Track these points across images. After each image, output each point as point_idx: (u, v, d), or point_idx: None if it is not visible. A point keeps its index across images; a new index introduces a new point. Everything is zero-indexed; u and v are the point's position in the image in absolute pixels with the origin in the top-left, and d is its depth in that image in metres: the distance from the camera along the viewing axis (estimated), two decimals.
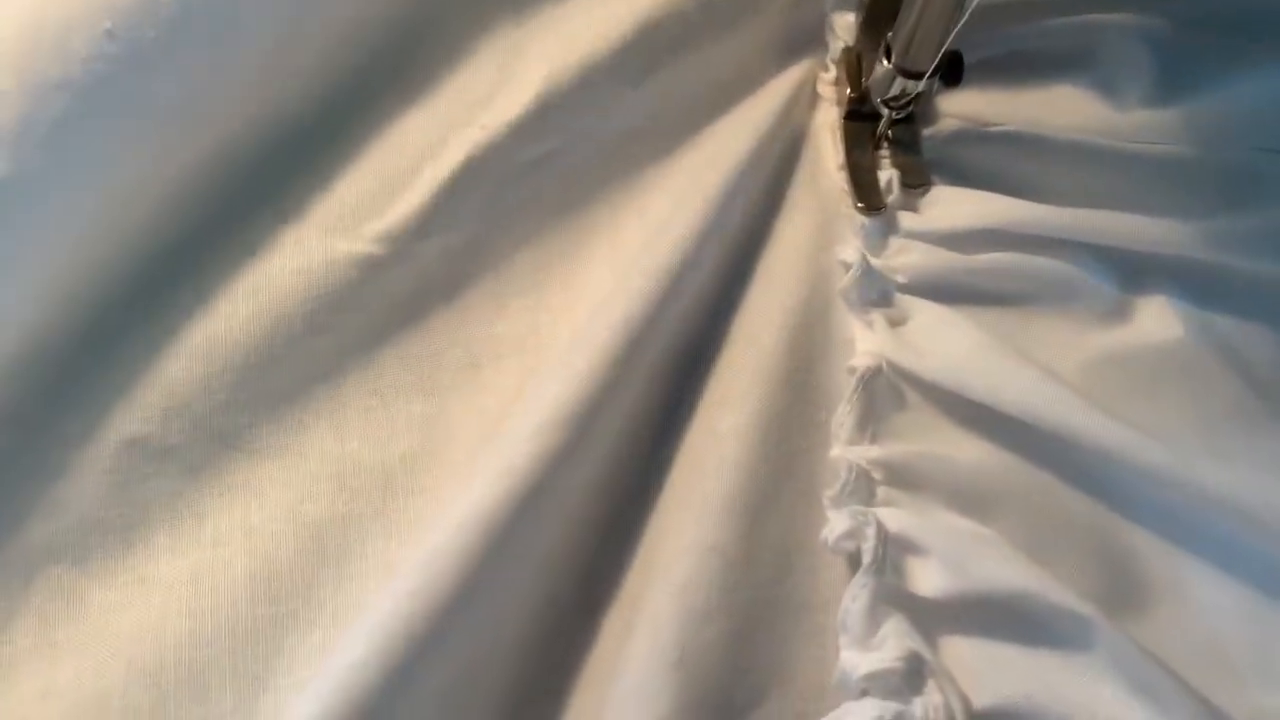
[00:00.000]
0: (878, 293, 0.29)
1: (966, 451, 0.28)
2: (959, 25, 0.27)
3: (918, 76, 0.29)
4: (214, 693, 0.25)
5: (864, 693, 0.24)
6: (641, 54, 0.31)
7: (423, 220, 0.29)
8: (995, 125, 0.32)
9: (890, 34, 0.29)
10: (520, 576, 0.26)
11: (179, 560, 0.26)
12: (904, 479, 0.27)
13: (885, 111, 0.31)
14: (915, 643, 0.24)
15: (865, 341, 0.29)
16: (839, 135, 0.32)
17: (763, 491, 0.27)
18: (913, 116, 0.32)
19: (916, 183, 0.31)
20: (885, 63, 0.30)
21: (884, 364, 0.28)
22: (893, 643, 0.24)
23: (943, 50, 0.28)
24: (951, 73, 0.29)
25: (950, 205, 0.30)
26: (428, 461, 0.28)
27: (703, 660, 0.25)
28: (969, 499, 0.27)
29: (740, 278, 0.31)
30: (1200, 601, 0.26)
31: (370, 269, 0.29)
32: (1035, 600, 0.25)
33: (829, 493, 0.27)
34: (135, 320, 0.27)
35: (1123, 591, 0.26)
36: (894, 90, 0.30)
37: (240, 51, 0.28)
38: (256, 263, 0.28)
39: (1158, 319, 0.30)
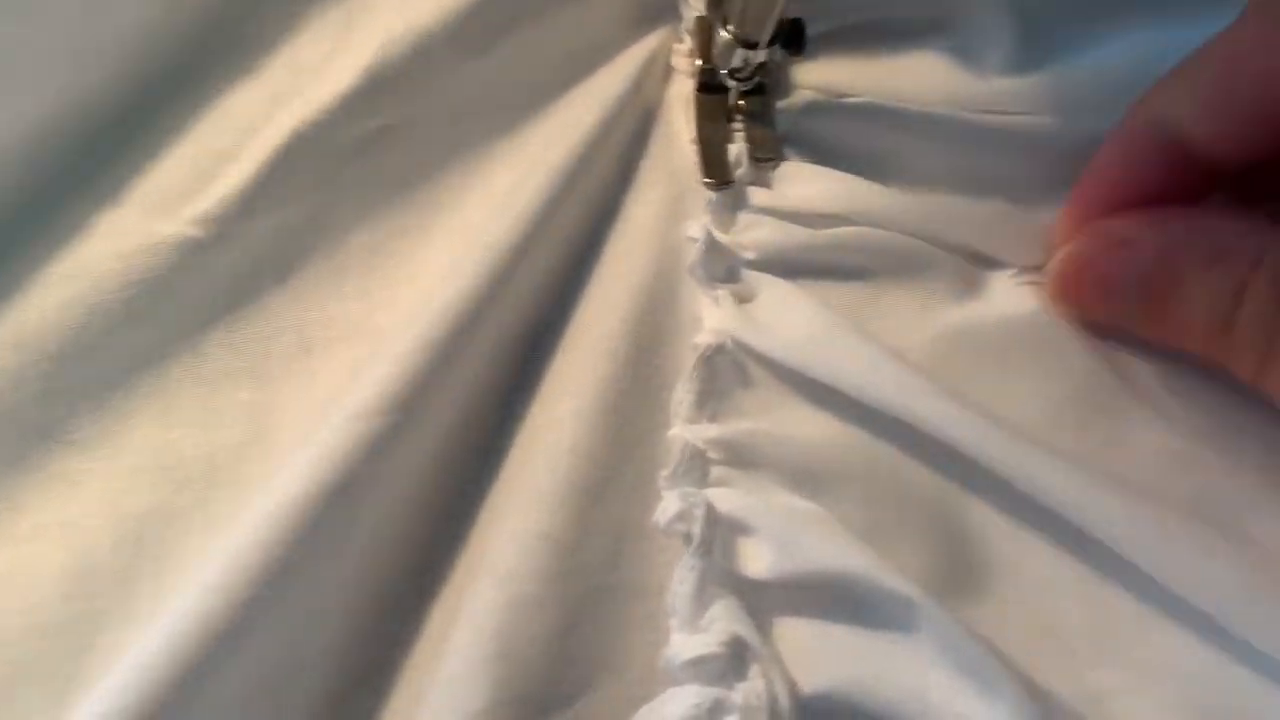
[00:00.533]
0: (725, 269, 0.29)
1: (807, 430, 0.27)
2: None
3: (754, 46, 0.28)
4: (20, 692, 0.24)
5: (688, 679, 0.24)
6: (483, 23, 0.30)
7: (247, 199, 0.28)
8: (850, 96, 0.31)
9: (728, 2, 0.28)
10: (340, 568, 0.25)
11: None
12: (741, 458, 0.26)
13: (732, 83, 0.30)
14: (741, 627, 0.24)
15: (711, 319, 0.28)
16: (691, 108, 0.31)
17: (600, 476, 0.26)
18: (765, 88, 0.31)
19: (767, 156, 0.30)
20: (724, 33, 0.29)
21: (728, 340, 0.28)
22: (718, 627, 0.24)
23: (776, 18, 0.27)
24: (793, 41, 0.29)
25: (800, 183, 0.30)
26: (254, 451, 0.27)
27: (527, 652, 0.24)
28: (807, 478, 0.26)
29: (588, 256, 0.30)
30: (1038, 580, 0.26)
31: (192, 252, 0.28)
32: (864, 582, 0.24)
33: (663, 473, 0.26)
34: None
35: (962, 570, 0.26)
36: (735, 61, 0.29)
37: (44, 23, 0.27)
38: (71, 248, 0.27)
39: (1011, 293, 0.30)
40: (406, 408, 0.25)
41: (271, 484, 0.24)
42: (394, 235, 0.30)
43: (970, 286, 0.30)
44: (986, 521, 0.27)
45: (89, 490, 0.26)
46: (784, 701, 0.23)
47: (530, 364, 0.29)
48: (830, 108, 0.31)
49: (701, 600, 0.24)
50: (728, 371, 0.27)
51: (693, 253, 0.29)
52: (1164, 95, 0.26)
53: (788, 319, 0.28)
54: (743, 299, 0.29)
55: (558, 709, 0.24)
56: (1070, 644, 0.26)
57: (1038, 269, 0.30)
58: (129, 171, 0.28)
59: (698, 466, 0.26)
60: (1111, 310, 0.28)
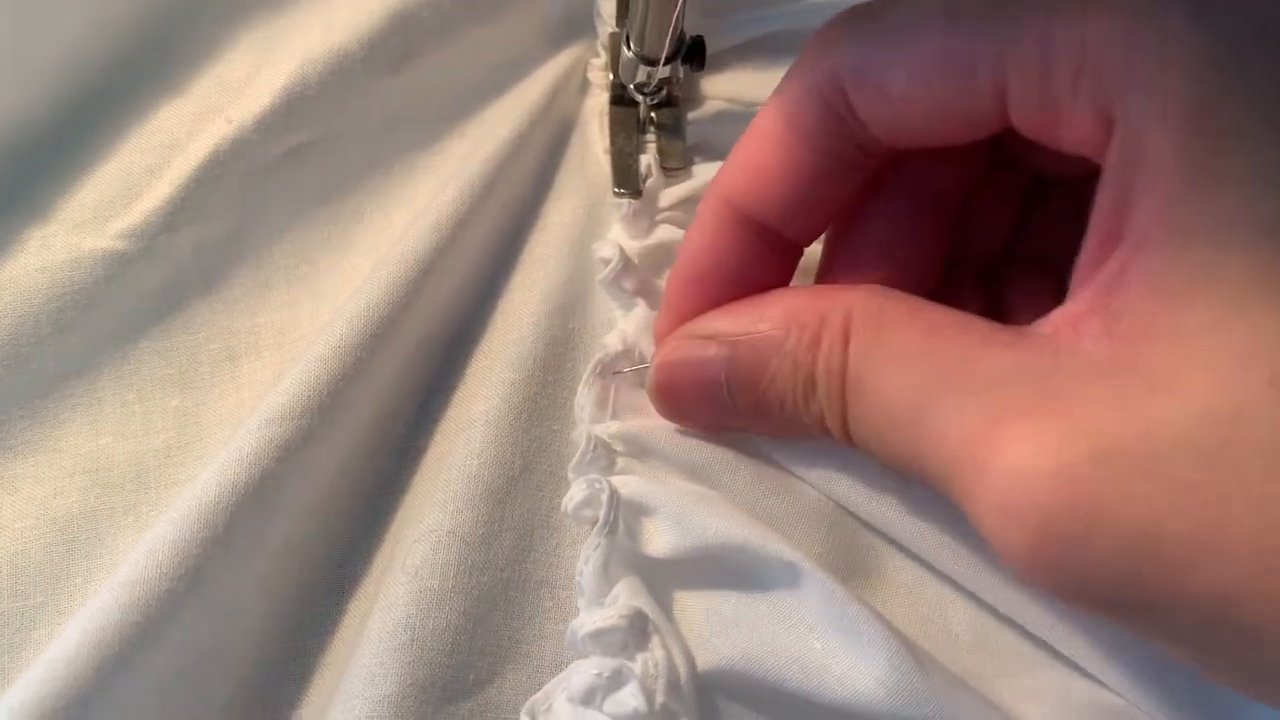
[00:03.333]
0: (635, 281, 0.30)
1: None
2: (680, 12, 0.27)
3: (654, 63, 0.29)
4: None
5: (591, 650, 0.25)
6: (398, 42, 0.32)
7: (169, 214, 0.29)
8: (757, 105, 0.32)
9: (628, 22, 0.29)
10: (257, 565, 0.26)
11: None
12: (643, 450, 0.28)
13: (640, 98, 0.32)
14: (642, 602, 0.25)
15: (612, 336, 0.29)
16: (605, 120, 0.33)
17: (508, 475, 0.28)
18: (675, 100, 0.33)
19: (676, 166, 0.32)
20: (627, 50, 0.30)
21: (629, 348, 0.29)
22: (621, 602, 0.25)
23: (673, 37, 0.28)
24: (693, 57, 0.30)
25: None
26: (181, 455, 0.29)
27: (435, 641, 0.25)
28: (704, 469, 0.27)
29: (504, 266, 0.31)
30: (927, 574, 0.27)
31: (117, 264, 0.29)
32: (753, 551, 0.25)
33: (571, 464, 0.27)
34: None
35: (852, 562, 0.27)
36: (639, 77, 0.30)
37: None
38: (0, 264, 0.28)
39: None
40: (321, 411, 0.27)
41: (189, 486, 0.25)
42: (318, 246, 0.31)
43: None
44: (875, 519, 0.28)
45: (21, 494, 0.28)
46: (681, 671, 0.24)
47: (447, 368, 0.30)
48: (737, 116, 0.33)
49: (606, 578, 0.25)
50: (629, 375, 0.29)
51: (606, 272, 0.30)
52: (730, 180, 0.25)
53: None
54: (650, 306, 0.30)
55: (467, 695, 0.26)
56: (953, 629, 0.27)
57: None
58: (57, 189, 0.29)
59: (603, 457, 0.27)
60: (716, 411, 0.26)
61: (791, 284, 0.27)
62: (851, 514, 0.27)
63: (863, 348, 0.22)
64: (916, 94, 0.22)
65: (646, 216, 0.31)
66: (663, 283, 0.30)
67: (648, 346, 0.29)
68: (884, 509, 0.26)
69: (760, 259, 0.26)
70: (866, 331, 0.22)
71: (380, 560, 0.28)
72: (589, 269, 0.31)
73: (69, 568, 0.27)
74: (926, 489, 0.22)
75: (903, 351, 0.22)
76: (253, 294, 0.30)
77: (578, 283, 0.31)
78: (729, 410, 0.26)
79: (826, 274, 0.27)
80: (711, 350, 0.25)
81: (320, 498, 0.28)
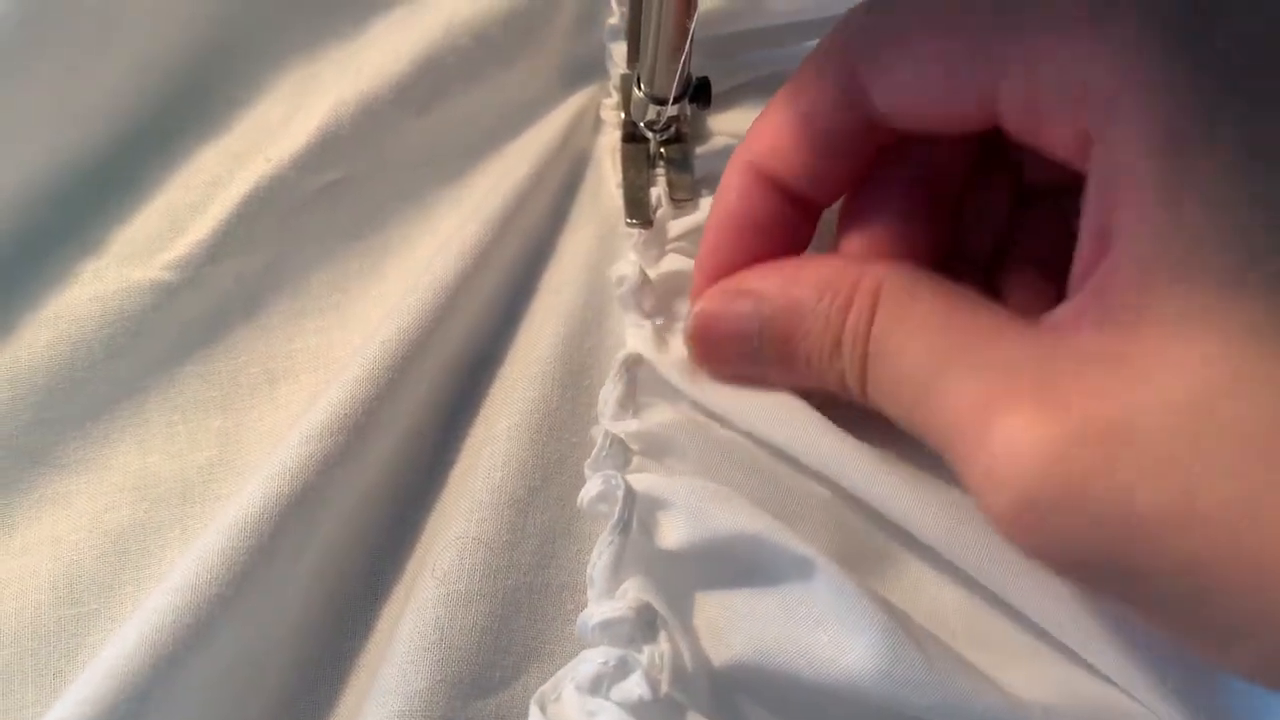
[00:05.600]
0: (650, 301, 0.32)
1: (720, 432, 0.30)
2: (687, 56, 0.30)
3: (663, 102, 0.32)
4: (16, 688, 0.27)
5: (599, 641, 0.26)
6: (423, 85, 0.34)
7: (213, 247, 0.31)
8: None
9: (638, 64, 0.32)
10: (297, 572, 0.28)
11: None
12: (659, 449, 0.29)
13: (650, 135, 0.34)
14: (651, 596, 0.26)
15: (634, 339, 0.31)
16: (617, 156, 0.35)
17: (530, 485, 0.29)
18: (683, 136, 0.35)
19: (684, 198, 0.34)
20: (638, 91, 0.32)
21: (648, 357, 0.31)
22: (630, 595, 0.26)
23: (682, 78, 0.31)
24: (700, 96, 0.32)
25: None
26: (224, 471, 0.31)
27: (461, 641, 0.27)
28: (719, 469, 0.29)
29: (524, 292, 0.33)
30: (921, 572, 0.29)
31: (164, 294, 0.31)
32: (766, 544, 0.27)
33: (588, 461, 0.29)
34: None
35: (857, 561, 0.29)
36: (649, 115, 0.33)
37: (33, 86, 0.30)
38: (57, 294, 0.31)
39: None
40: (356, 429, 0.29)
41: (236, 499, 0.27)
42: (350, 276, 0.33)
43: None
44: (877, 524, 0.30)
45: (75, 509, 0.30)
46: (689, 664, 0.26)
47: (473, 387, 0.32)
48: None
49: (618, 574, 0.27)
50: (647, 382, 0.31)
51: (621, 287, 0.32)
52: (756, 145, 0.28)
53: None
54: (664, 328, 0.32)
55: (493, 692, 0.27)
56: (951, 627, 0.29)
57: None
58: (109, 224, 0.31)
59: (619, 454, 0.29)
60: (745, 360, 0.28)
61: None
62: (859, 502, 0.29)
63: (889, 316, 0.24)
64: (918, 87, 0.25)
65: (657, 245, 0.33)
66: (677, 304, 0.32)
67: (663, 354, 0.31)
68: (889, 492, 0.28)
69: (784, 213, 0.28)
70: (895, 301, 0.25)
71: (412, 567, 0.30)
72: (604, 294, 0.33)
73: (120, 577, 0.29)
74: (932, 481, 0.25)
75: (924, 324, 0.24)
76: (290, 321, 0.32)
77: (593, 308, 0.33)
78: (757, 360, 0.28)
79: (841, 239, 0.29)
80: (748, 306, 0.27)
81: (355, 509, 0.29)
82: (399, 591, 0.29)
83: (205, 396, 0.31)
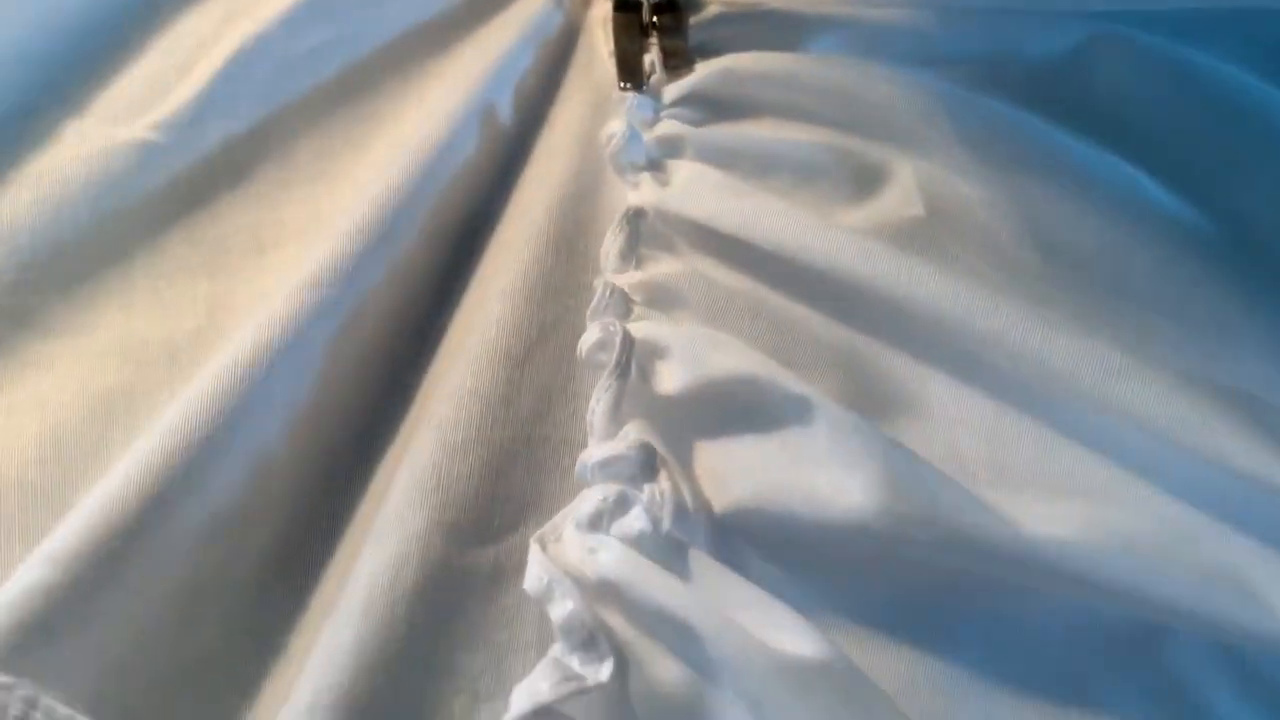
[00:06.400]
0: (644, 158, 0.31)
1: (721, 277, 0.30)
2: None
3: None
4: (4, 545, 0.27)
5: (600, 479, 0.26)
6: None
7: (199, 108, 0.31)
8: (757, 5, 0.34)
9: None
10: (288, 423, 0.27)
11: None
12: (660, 299, 0.29)
13: (643, 1, 0.33)
14: (652, 438, 0.26)
15: (632, 197, 0.31)
16: (609, 26, 0.34)
17: (526, 343, 0.29)
18: (676, 4, 0.34)
19: (678, 65, 0.33)
20: None
21: (649, 209, 0.30)
22: (631, 437, 0.26)
23: None
24: None
25: (709, 77, 0.33)
26: (213, 336, 0.30)
27: (459, 487, 0.27)
28: (722, 318, 0.29)
29: (516, 157, 0.33)
30: (940, 415, 0.29)
31: (150, 154, 0.30)
32: (765, 385, 0.26)
33: (589, 310, 0.29)
34: None
35: (866, 405, 0.28)
36: None
37: None
38: (40, 153, 0.30)
39: (903, 198, 0.32)
40: (347, 281, 0.28)
41: (227, 345, 0.27)
42: (338, 144, 0.33)
43: (862, 189, 0.32)
44: (891, 361, 0.29)
45: (59, 372, 0.29)
46: (690, 504, 0.25)
47: (468, 250, 0.32)
48: (737, 17, 0.34)
49: (617, 418, 0.26)
50: (649, 233, 0.30)
51: (614, 144, 0.31)
52: None
53: (701, 188, 0.30)
54: (661, 183, 0.31)
55: (491, 540, 0.27)
56: (970, 469, 0.28)
57: None
58: (94, 86, 0.31)
59: (620, 304, 0.29)
60: None
61: None
62: (872, 344, 0.28)
63: None
64: None
65: (651, 109, 0.33)
66: (666, 160, 0.32)
67: (663, 207, 0.30)
68: (888, 269, 0.28)
69: None
70: None
71: (406, 427, 0.29)
72: (598, 160, 0.32)
73: (107, 437, 0.28)
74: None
75: None
76: (277, 189, 0.32)
77: (588, 175, 0.32)
78: None
79: None
80: None
81: (349, 368, 0.29)
82: (394, 451, 0.29)
83: (192, 263, 0.31)
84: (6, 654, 0.22)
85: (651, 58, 0.33)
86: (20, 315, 0.29)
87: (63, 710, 0.22)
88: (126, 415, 0.29)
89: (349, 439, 0.29)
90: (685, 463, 0.27)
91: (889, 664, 0.26)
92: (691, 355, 0.27)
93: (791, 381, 0.26)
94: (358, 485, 0.29)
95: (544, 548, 0.26)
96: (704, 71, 0.33)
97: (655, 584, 0.24)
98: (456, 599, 0.26)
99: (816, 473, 0.26)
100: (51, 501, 0.27)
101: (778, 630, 0.23)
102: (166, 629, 0.25)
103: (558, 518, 0.26)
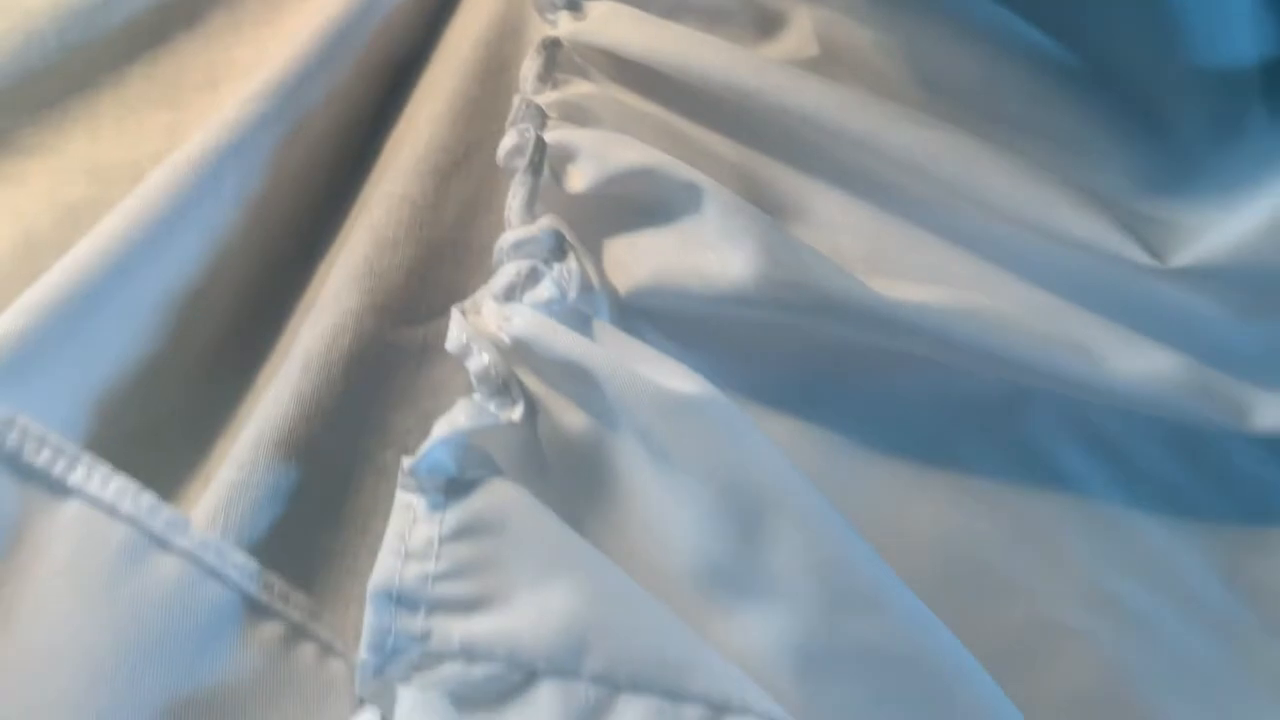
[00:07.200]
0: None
1: (629, 100, 0.33)
2: None
3: None
4: None
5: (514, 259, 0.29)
6: None
7: None
8: None
9: None
10: (237, 215, 0.31)
11: None
12: (572, 116, 0.32)
13: None
14: (562, 227, 0.29)
15: (550, 31, 0.34)
16: None
17: (453, 159, 0.32)
18: None
19: None
20: None
21: (565, 39, 0.33)
22: (543, 222, 0.29)
23: None
24: None
25: None
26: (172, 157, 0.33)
27: (390, 276, 0.30)
28: (630, 132, 0.32)
29: (445, 3, 0.36)
30: (824, 219, 0.32)
31: None
32: (659, 177, 0.30)
33: (508, 121, 0.32)
34: None
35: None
36: None
37: None
38: None
39: (800, 39, 0.35)
40: (290, 95, 0.31)
41: (182, 148, 0.30)
42: None
43: (764, 32, 0.36)
44: (781, 173, 0.33)
45: (31, 186, 0.32)
46: (595, 281, 0.29)
47: (400, 89, 0.35)
48: None
49: (531, 211, 0.30)
50: (565, 61, 0.33)
51: None
52: None
53: (610, 21, 0.34)
54: (577, 19, 0.34)
55: (420, 323, 0.30)
56: (849, 258, 0.32)
57: None
58: None
59: (536, 117, 0.32)
60: None
61: None
62: (765, 161, 0.32)
63: None
64: None
65: None
66: (590, 5, 0.35)
67: (578, 38, 0.33)
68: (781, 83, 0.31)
69: None
70: None
71: (344, 231, 0.32)
72: (523, 5, 0.36)
73: (74, 240, 0.31)
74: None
75: None
76: (228, 31, 0.35)
77: (512, 17, 0.36)
78: None
79: None
80: None
81: (293, 174, 0.32)
82: (333, 249, 0.32)
83: (152, 95, 0.34)
84: None
85: None
86: None
87: (36, 427, 0.25)
88: (92, 222, 0.32)
89: (294, 236, 0.32)
90: (594, 251, 0.31)
91: (773, 430, 0.30)
92: (597, 154, 0.30)
93: (684, 170, 0.30)
94: (301, 277, 0.32)
95: (464, 315, 0.29)
96: None
97: (560, 340, 0.27)
98: (387, 368, 0.29)
99: (705, 253, 0.30)
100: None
101: (664, 374, 0.27)
102: (129, 387, 0.28)
103: (477, 294, 0.30)
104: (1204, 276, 0.29)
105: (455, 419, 0.26)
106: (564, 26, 0.34)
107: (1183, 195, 0.32)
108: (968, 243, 0.32)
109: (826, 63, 0.35)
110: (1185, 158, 0.33)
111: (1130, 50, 0.35)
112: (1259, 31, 0.36)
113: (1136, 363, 0.29)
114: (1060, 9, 0.35)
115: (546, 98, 0.32)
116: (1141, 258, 0.29)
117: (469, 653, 0.24)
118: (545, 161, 0.30)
